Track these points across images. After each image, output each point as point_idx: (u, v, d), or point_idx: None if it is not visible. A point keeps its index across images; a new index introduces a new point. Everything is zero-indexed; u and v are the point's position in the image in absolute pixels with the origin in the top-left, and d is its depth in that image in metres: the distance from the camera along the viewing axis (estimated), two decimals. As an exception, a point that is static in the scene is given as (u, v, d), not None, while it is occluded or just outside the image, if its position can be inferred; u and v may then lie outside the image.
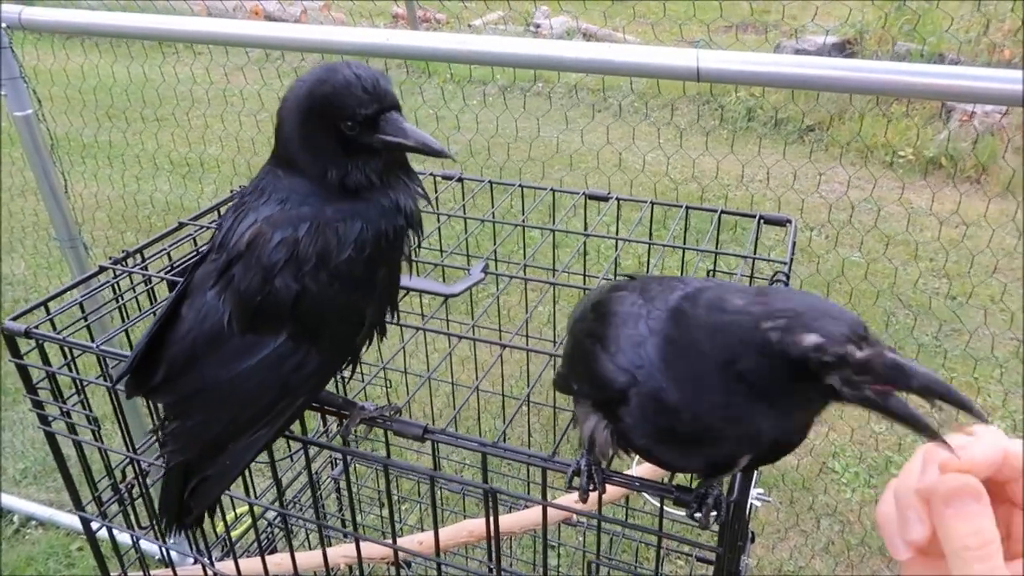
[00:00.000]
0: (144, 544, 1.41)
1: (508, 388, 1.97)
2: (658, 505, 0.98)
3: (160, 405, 1.04)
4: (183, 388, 0.93)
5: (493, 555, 0.99)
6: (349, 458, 1.19)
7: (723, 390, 0.72)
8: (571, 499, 1.28)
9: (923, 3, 5.45)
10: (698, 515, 0.85)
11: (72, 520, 2.94)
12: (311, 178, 0.91)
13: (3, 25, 1.88)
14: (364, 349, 1.02)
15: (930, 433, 0.62)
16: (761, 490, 1.49)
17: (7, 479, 3.19)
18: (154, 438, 1.35)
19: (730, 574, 1.02)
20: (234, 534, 1.44)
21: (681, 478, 1.13)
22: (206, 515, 1.05)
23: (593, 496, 0.93)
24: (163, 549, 1.28)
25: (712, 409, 0.74)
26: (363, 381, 1.86)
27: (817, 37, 6.03)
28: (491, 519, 0.95)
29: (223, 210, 1.59)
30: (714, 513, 0.85)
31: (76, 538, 2.91)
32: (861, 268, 3.97)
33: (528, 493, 2.04)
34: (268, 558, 1.33)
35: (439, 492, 2.16)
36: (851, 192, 4.54)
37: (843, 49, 5.96)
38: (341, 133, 0.89)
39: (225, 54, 6.18)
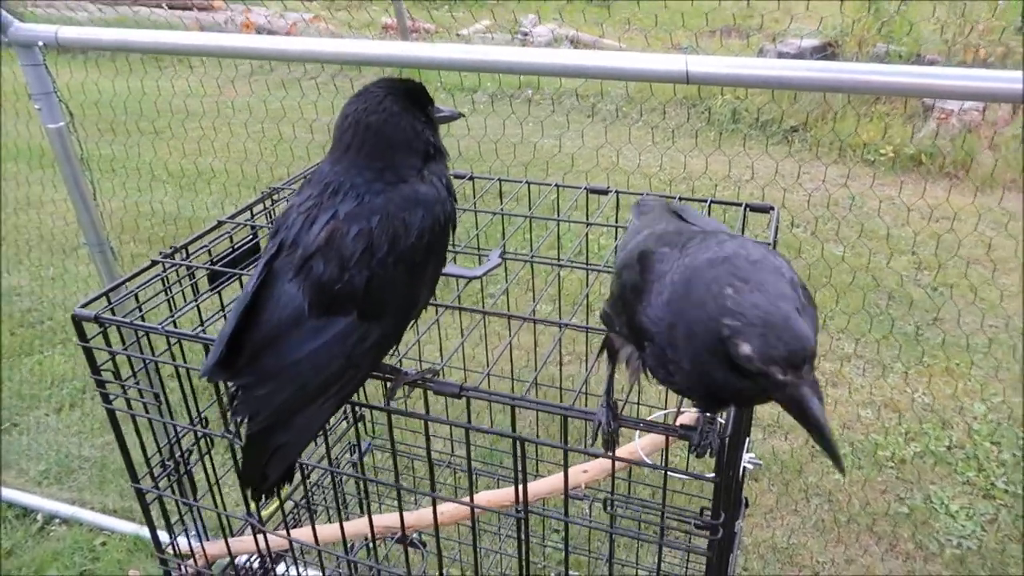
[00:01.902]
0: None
1: (518, 373, 2.12)
2: (660, 471, 1.13)
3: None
4: (263, 367, 1.05)
5: (521, 500, 1.13)
6: (377, 438, 1.33)
7: (701, 361, 0.86)
8: (580, 468, 1.42)
9: (899, 1, 5.65)
10: (705, 441, 1.00)
11: (95, 517, 3.06)
12: (395, 167, 1.09)
13: (40, 44, 2.02)
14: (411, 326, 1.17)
15: (830, 454, 0.81)
16: (753, 455, 1.63)
17: (28, 480, 3.29)
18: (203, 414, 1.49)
19: (726, 512, 1.16)
20: (273, 508, 1.57)
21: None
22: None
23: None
24: (222, 516, 1.41)
25: (695, 374, 0.88)
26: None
27: (798, 40, 6.22)
28: (518, 466, 1.10)
29: (255, 209, 1.74)
30: (710, 444, 1.01)
31: (99, 534, 3.02)
32: (842, 260, 4.14)
33: (541, 471, 2.18)
34: (307, 528, 1.46)
35: (456, 475, 2.30)
36: (833, 188, 4.72)
37: (823, 51, 6.16)
38: (429, 117, 1.16)
39: (218, 67, 6.30)
